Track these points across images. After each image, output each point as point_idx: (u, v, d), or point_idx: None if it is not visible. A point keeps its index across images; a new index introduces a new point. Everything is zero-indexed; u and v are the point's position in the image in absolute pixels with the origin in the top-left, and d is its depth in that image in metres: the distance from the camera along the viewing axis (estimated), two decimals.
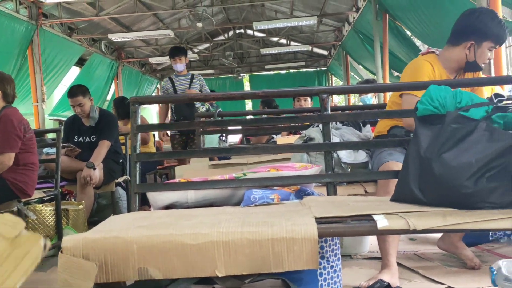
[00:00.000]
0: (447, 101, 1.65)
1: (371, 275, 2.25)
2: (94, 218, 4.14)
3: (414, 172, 1.65)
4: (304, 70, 16.85)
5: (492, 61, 4.22)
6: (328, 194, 2.07)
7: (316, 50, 15.67)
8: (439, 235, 2.55)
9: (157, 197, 1.97)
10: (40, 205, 3.29)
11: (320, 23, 12.15)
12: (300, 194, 2.01)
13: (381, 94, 7.38)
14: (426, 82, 2.22)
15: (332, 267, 1.85)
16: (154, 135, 6.52)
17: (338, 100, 15.85)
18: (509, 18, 5.40)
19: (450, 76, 2.42)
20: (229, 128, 3.57)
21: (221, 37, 14.65)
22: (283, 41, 14.47)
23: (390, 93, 2.72)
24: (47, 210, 3.27)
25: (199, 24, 9.00)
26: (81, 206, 3.55)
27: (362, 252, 2.86)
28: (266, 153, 2.78)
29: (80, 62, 11.18)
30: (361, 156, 2.60)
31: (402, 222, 1.43)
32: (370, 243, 2.91)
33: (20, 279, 0.96)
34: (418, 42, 8.37)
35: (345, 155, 2.54)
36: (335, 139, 2.54)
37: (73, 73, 11.26)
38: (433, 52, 2.47)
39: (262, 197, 1.91)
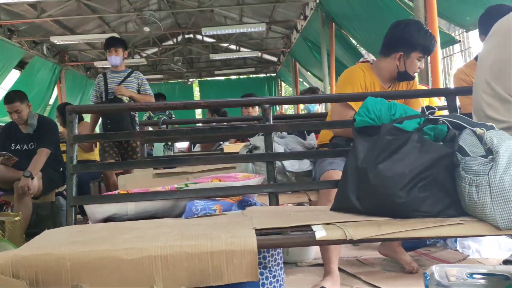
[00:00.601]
0: (382, 113, 1.70)
1: (315, 282, 2.28)
2: (33, 230, 3.97)
3: (352, 182, 1.69)
4: (254, 76, 16.97)
5: (429, 71, 4.41)
6: (270, 204, 2.08)
7: (265, 56, 15.81)
8: None
9: (95, 209, 1.91)
10: None
11: (269, 30, 12.28)
12: (243, 205, 2.01)
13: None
14: (365, 93, 2.29)
15: (274, 276, 1.86)
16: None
17: (287, 107, 16.04)
18: (445, 29, 5.66)
19: (384, 85, 2.50)
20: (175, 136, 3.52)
21: (170, 42, 14.51)
22: (233, 47, 14.51)
23: None
24: None
25: (146, 29, 8.87)
26: (18, 218, 3.38)
27: (307, 259, 2.89)
28: (209, 163, 2.76)
29: (21, 65, 10.75)
30: (305, 164, 2.63)
31: (339, 233, 1.46)
32: (315, 250, 2.96)
33: None
34: (363, 51, 8.63)
35: (290, 164, 2.56)
36: (279, 147, 2.56)
37: (13, 76, 10.79)
38: (368, 61, 2.55)
39: (204, 208, 1.89)
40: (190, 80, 15.85)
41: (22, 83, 9.78)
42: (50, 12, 9.19)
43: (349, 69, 2.56)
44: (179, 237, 1.45)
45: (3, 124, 4.78)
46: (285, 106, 15.46)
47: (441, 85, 4.51)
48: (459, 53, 7.73)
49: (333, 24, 8.09)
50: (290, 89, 15.50)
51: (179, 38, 14.46)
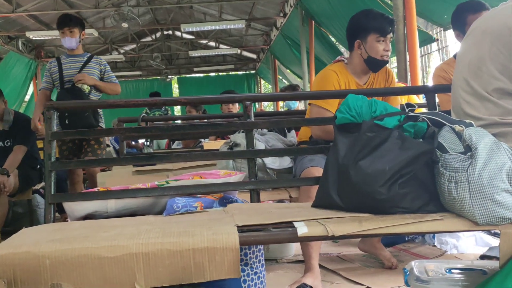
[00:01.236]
0: (363, 110, 1.71)
1: (295, 279, 2.29)
2: (9, 228, 3.89)
3: (333, 179, 1.70)
4: (233, 73, 16.94)
5: (408, 69, 4.47)
6: (251, 201, 2.08)
7: (245, 53, 15.81)
8: None
9: (74, 207, 1.88)
10: None
11: (248, 27, 12.27)
12: (224, 202, 2.01)
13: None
14: (346, 91, 2.31)
15: (256, 273, 1.86)
16: None
17: (267, 104, 16.06)
18: (423, 28, 5.74)
19: (359, 81, 2.52)
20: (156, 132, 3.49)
21: (149, 38, 14.38)
22: (212, 43, 14.46)
23: None
24: None
25: (125, 25, 8.77)
26: None
27: (287, 256, 2.90)
28: (189, 160, 2.75)
29: None
30: (286, 161, 2.64)
31: (321, 229, 1.47)
32: (296, 246, 2.97)
33: None
34: (342, 48, 8.69)
35: (270, 161, 2.57)
36: (260, 144, 2.56)
37: None
38: (342, 60, 2.57)
39: (185, 205, 1.88)
40: (169, 77, 15.73)
41: None
42: (26, 6, 9.01)
43: (321, 73, 2.57)
44: (161, 234, 1.44)
45: None
46: (265, 103, 15.50)
47: (420, 83, 4.57)
48: (437, 52, 7.87)
49: (313, 21, 8.13)
50: (270, 86, 15.53)
51: (158, 34, 14.34)
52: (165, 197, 1.96)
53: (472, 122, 1.50)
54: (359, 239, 2.69)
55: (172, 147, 5.46)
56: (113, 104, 1.99)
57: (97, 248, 1.36)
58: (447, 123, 1.53)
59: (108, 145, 9.26)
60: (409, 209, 1.55)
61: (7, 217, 3.83)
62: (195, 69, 16.25)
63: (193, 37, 14.05)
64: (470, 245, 2.72)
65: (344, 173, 1.64)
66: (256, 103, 12.00)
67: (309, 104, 2.53)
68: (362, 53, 2.44)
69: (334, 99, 2.41)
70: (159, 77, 16.12)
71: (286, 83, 12.43)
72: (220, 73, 17.07)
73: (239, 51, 14.53)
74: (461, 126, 1.45)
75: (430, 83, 4.40)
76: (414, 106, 1.70)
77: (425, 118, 1.61)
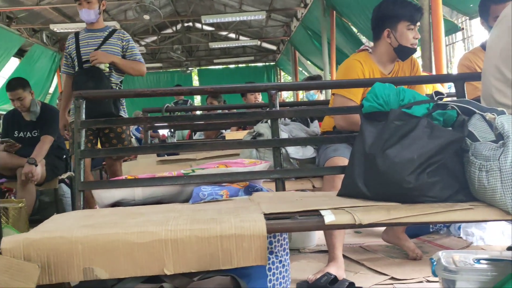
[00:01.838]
0: (390, 99, 1.70)
1: (318, 268, 2.30)
2: (36, 216, 3.98)
3: (359, 168, 1.69)
4: (253, 64, 16.91)
5: (433, 59, 4.40)
6: (276, 190, 2.09)
7: (264, 45, 15.75)
8: (383, 228, 2.64)
9: (102, 194, 1.92)
10: None
11: (268, 18, 12.22)
12: (249, 190, 2.02)
13: (328, 90, 7.53)
14: (367, 80, 2.30)
15: (280, 261, 1.87)
16: None
17: (286, 95, 16.03)
18: (448, 16, 5.64)
19: (384, 70, 2.50)
20: (177, 123, 3.51)
21: (169, 30, 14.44)
22: (232, 35, 14.45)
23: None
24: None
25: (146, 17, 8.81)
26: (22, 204, 3.39)
27: (309, 246, 2.91)
28: (214, 149, 2.76)
29: (20, 53, 10.70)
30: (309, 151, 2.64)
31: (348, 217, 1.47)
32: (318, 236, 2.97)
33: None
34: (364, 39, 8.60)
35: (294, 151, 2.57)
36: (283, 134, 2.56)
37: (13, 64, 10.74)
38: (366, 49, 2.54)
39: (211, 193, 1.90)
40: (189, 69, 15.79)
41: (22, 71, 9.73)
42: None
43: (345, 63, 2.55)
44: (189, 221, 1.46)
45: (3, 112, 4.77)
46: (285, 94, 15.45)
47: (444, 73, 4.50)
48: (461, 41, 7.73)
49: (334, 12, 8.05)
50: (289, 78, 15.46)
51: (179, 26, 14.39)
52: (190, 186, 1.98)
53: (504, 110, 1.47)
54: (383, 230, 2.68)
55: (194, 138, 5.50)
56: (141, 93, 2.01)
57: (127, 234, 1.39)
58: (478, 111, 1.51)
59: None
60: (437, 198, 1.53)
61: (34, 206, 3.92)
62: (215, 60, 16.27)
63: (213, 28, 14.07)
64: (497, 237, 2.68)
65: (371, 162, 1.63)
66: None
67: (333, 94, 2.51)
68: (392, 42, 2.42)
69: (358, 89, 2.39)
70: (179, 69, 16.18)
71: (306, 74, 12.36)
72: (240, 65, 17.06)
73: (259, 42, 14.48)
74: (493, 114, 1.43)
75: (455, 73, 4.32)
76: (443, 94, 1.68)
77: (454, 106, 1.59)
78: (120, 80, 3.47)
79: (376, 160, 1.61)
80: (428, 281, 2.14)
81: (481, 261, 1.69)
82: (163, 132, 7.55)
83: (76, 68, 3.39)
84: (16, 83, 3.88)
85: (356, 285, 2.06)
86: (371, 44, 2.63)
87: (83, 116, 2.02)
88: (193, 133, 5.45)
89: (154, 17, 9.03)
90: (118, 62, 3.31)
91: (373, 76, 2.44)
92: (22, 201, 3.42)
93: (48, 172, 3.80)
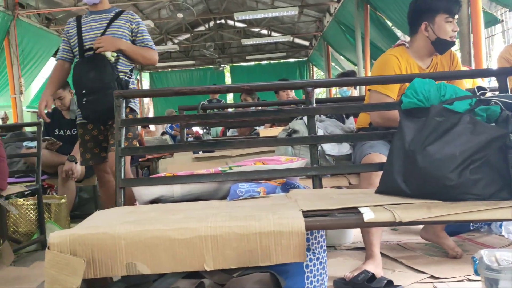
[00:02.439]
0: (431, 94, 1.67)
1: (355, 265, 2.28)
2: (75, 212, 4.10)
3: (398, 165, 1.67)
4: (285, 60, 16.87)
5: (472, 52, 4.29)
6: (313, 187, 2.08)
7: (297, 40, 15.69)
8: (421, 225, 2.60)
9: (142, 191, 1.96)
10: (22, 199, 3.24)
11: (301, 14, 12.16)
12: (286, 187, 2.02)
13: (362, 86, 7.44)
14: (404, 75, 2.26)
15: (318, 259, 1.87)
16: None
17: (319, 91, 15.91)
18: (487, 8, 5.48)
19: (422, 65, 2.45)
20: (213, 121, 3.54)
21: (202, 28, 14.56)
22: (264, 31, 14.45)
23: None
24: (29, 205, 3.23)
25: (180, 15, 8.92)
26: (63, 200, 3.51)
27: (346, 243, 2.89)
28: (250, 147, 2.77)
29: None
30: (344, 148, 2.62)
31: (388, 215, 1.45)
32: (354, 233, 2.95)
33: None
34: (399, 33, 8.44)
35: (329, 148, 2.56)
36: (319, 131, 2.55)
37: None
38: (403, 44, 2.50)
39: (248, 190, 1.91)
40: (221, 65, 15.88)
41: None
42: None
43: (382, 57, 2.51)
44: (228, 218, 1.47)
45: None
46: (317, 91, 15.33)
47: (484, 67, 4.38)
48: (501, 34, 7.49)
49: (368, 6, 7.94)
50: (322, 73, 15.35)
51: (211, 23, 14.49)
52: (228, 183, 2.00)
53: None
54: (421, 227, 2.63)
55: (228, 135, 5.54)
56: (179, 92, 2.03)
57: (168, 230, 1.41)
58: None
59: (163, 133, 9.54)
60: (481, 196, 1.50)
61: (74, 202, 4.04)
62: (247, 57, 16.31)
63: (245, 25, 14.10)
64: None
65: (410, 158, 1.61)
66: (301, 90, 11.85)
67: (368, 90, 2.48)
68: (430, 35, 2.37)
69: (394, 85, 2.36)
70: (212, 66, 16.30)
71: (339, 70, 12.25)
72: (272, 61, 17.03)
73: (291, 38, 14.43)
74: None
75: (494, 66, 4.21)
76: (486, 89, 1.63)
77: (498, 102, 1.55)
78: (130, 68, 2.96)
79: (416, 157, 1.58)
80: (469, 280, 2.10)
81: None
82: (197, 129, 7.65)
83: (77, 57, 2.92)
84: None
85: (395, 283, 2.04)
86: (407, 38, 2.59)
87: (123, 115, 2.06)
88: (227, 130, 5.49)
89: (187, 15, 9.13)
90: (126, 49, 2.84)
91: (410, 71, 2.40)
92: (63, 197, 3.53)
93: (87, 169, 3.90)
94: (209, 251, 1.41)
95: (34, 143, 3.68)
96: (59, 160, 3.79)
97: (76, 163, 3.68)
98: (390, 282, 2.01)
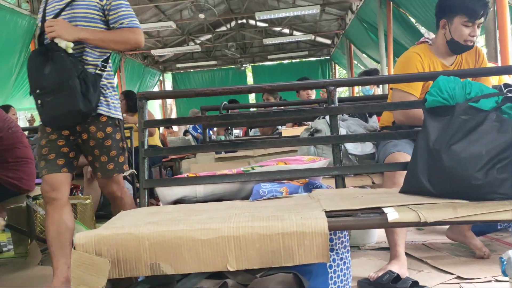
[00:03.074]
0: (456, 92, 1.64)
1: (379, 266, 2.26)
2: (100, 212, 4.16)
3: (423, 164, 1.65)
4: (307, 59, 16.78)
5: (498, 48, 4.20)
6: (336, 187, 2.07)
7: (319, 39, 15.59)
8: (447, 225, 2.56)
9: (166, 192, 1.98)
10: None
11: (323, 12, 12.08)
12: (309, 187, 2.01)
13: (385, 85, 7.36)
14: (427, 73, 2.22)
15: (341, 259, 1.85)
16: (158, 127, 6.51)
17: (341, 90, 15.80)
18: None
19: (446, 62, 2.40)
20: (235, 121, 3.55)
21: (223, 28, 14.59)
22: (286, 30, 14.40)
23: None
24: None
25: (201, 15, 8.97)
26: (88, 201, 3.56)
27: (370, 243, 2.87)
28: (272, 146, 2.78)
29: None
30: (368, 147, 2.60)
31: (412, 215, 1.43)
32: (378, 233, 2.92)
33: None
34: (423, 29, 8.32)
35: (352, 147, 2.54)
36: (342, 130, 2.52)
37: None
38: (426, 41, 2.45)
39: (271, 190, 1.91)
40: (243, 65, 15.91)
41: None
42: None
43: (404, 55, 2.47)
44: (250, 219, 1.47)
45: None
46: (339, 90, 15.22)
47: (510, 63, 4.29)
48: None
49: (391, 2, 7.85)
50: (344, 71, 15.23)
51: (232, 23, 14.52)
52: (250, 183, 2.00)
53: None
54: (447, 227, 2.59)
55: (250, 134, 5.54)
56: (201, 93, 2.04)
57: (191, 230, 1.42)
58: None
59: (185, 133, 9.61)
60: (508, 195, 1.47)
61: (99, 202, 4.09)
62: (269, 56, 16.28)
63: (266, 24, 14.08)
64: None
65: (435, 157, 1.58)
66: (321, 90, 11.80)
67: (391, 88, 2.45)
68: (446, 34, 2.33)
69: (417, 83, 2.32)
70: (233, 66, 16.33)
71: (362, 68, 12.13)
72: (294, 60, 16.98)
73: (313, 37, 14.34)
74: None
75: None
76: None
77: None
78: (103, 59, 2.31)
79: (441, 156, 1.56)
80: (496, 280, 2.06)
81: None
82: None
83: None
84: None
85: (420, 284, 2.01)
86: (431, 35, 2.54)
87: (146, 117, 2.08)
88: (249, 129, 5.50)
89: (209, 16, 9.17)
90: (89, 38, 2.20)
91: (433, 69, 2.36)
92: (89, 197, 3.59)
93: None
94: (232, 252, 1.41)
95: None
96: (84, 161, 3.83)
97: None
98: (415, 283, 1.99)
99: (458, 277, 2.14)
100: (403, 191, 1.76)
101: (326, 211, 1.50)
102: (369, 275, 2.13)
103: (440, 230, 2.89)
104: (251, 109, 4.97)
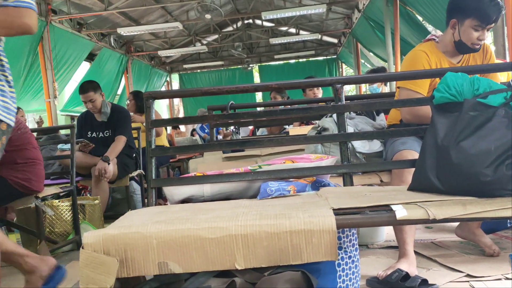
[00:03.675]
0: (464, 88, 1.62)
1: (388, 264, 2.25)
2: (109, 213, 4.18)
3: (431, 161, 1.63)
4: (313, 59, 16.77)
5: (506, 45, 4.16)
6: (344, 185, 2.06)
7: (325, 38, 15.58)
8: (456, 223, 2.54)
9: (173, 191, 1.98)
10: (57, 200, 3.32)
11: (329, 11, 12.06)
12: (316, 185, 2.00)
13: (393, 82, 7.32)
14: (434, 70, 2.21)
15: (350, 257, 1.84)
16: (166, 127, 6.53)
17: (349, 88, 15.76)
18: None
19: (453, 60, 2.39)
20: (242, 120, 3.55)
21: (230, 28, 14.61)
22: (292, 30, 14.40)
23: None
24: (64, 206, 3.31)
25: (208, 16, 8.97)
26: (97, 201, 3.58)
27: (378, 241, 2.85)
28: (280, 145, 2.77)
29: (90, 57, 11.24)
30: (375, 145, 2.59)
31: (421, 212, 1.42)
32: (386, 232, 2.91)
33: None
34: (430, 27, 8.27)
35: (360, 145, 2.53)
36: (349, 129, 2.52)
37: (84, 68, 11.33)
38: (433, 39, 2.44)
39: (278, 189, 1.90)
40: (250, 65, 15.92)
41: (92, 74, 10.24)
42: (116, 4, 9.52)
43: (410, 54, 2.45)
44: (258, 217, 1.47)
45: (77, 114, 5.02)
46: (347, 88, 15.19)
47: None
48: None
49: (398, 1, 7.82)
50: (351, 71, 15.19)
51: (239, 24, 14.53)
52: (258, 182, 2.00)
53: None
54: (456, 225, 2.57)
55: (257, 134, 5.54)
56: (207, 92, 2.04)
57: (199, 229, 1.42)
58: None
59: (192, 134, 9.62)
60: None
61: (107, 203, 4.11)
62: (276, 56, 16.28)
63: (273, 24, 14.08)
64: None
65: (444, 154, 1.57)
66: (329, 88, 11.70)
67: (398, 87, 2.44)
68: (455, 34, 2.32)
69: (424, 81, 2.30)
70: (240, 66, 16.36)
71: (369, 66, 12.09)
72: (301, 60, 16.96)
73: (319, 36, 14.32)
74: None
75: None
76: None
77: None
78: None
79: (449, 153, 1.55)
80: (506, 278, 2.05)
81: None
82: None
83: None
84: (87, 86, 4.09)
85: (429, 282, 2.00)
86: (438, 32, 2.52)
87: (153, 116, 2.08)
88: (256, 129, 5.50)
89: (215, 16, 9.18)
90: None
91: (440, 67, 2.34)
92: (97, 198, 3.61)
93: (120, 170, 3.97)
94: (240, 250, 1.41)
95: (68, 146, 3.76)
96: (92, 162, 3.87)
97: (109, 163, 3.75)
98: (424, 281, 1.98)
99: (468, 275, 2.13)
100: (412, 188, 1.75)
101: (334, 209, 1.49)
102: (378, 273, 2.12)
103: (449, 228, 2.87)
104: (258, 109, 4.97)
